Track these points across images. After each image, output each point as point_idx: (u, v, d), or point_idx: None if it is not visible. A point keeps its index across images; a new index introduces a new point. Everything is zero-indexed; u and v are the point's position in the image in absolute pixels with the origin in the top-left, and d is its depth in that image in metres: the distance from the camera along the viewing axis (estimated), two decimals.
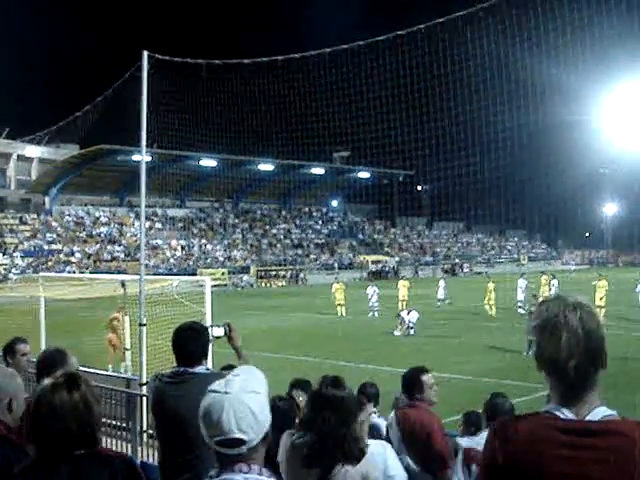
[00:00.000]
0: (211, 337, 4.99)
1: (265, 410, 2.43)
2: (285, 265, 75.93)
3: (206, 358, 4.87)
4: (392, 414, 6.00)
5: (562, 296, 2.35)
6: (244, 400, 2.37)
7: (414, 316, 27.84)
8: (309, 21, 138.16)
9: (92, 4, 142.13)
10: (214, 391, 2.46)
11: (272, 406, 5.33)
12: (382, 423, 6.27)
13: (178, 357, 4.81)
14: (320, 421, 3.68)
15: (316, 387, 3.92)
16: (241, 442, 2.35)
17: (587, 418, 2.20)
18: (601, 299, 30.88)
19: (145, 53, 12.61)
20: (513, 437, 2.27)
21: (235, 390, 2.41)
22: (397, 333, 27.46)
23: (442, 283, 40.87)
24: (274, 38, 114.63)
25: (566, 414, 2.22)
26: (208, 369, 4.86)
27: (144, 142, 12.39)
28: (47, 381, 2.94)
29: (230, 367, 6.49)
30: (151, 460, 5.65)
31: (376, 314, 35.36)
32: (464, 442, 5.77)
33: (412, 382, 5.95)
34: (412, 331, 27.27)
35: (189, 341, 4.80)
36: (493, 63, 40.15)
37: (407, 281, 40.05)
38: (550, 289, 35.43)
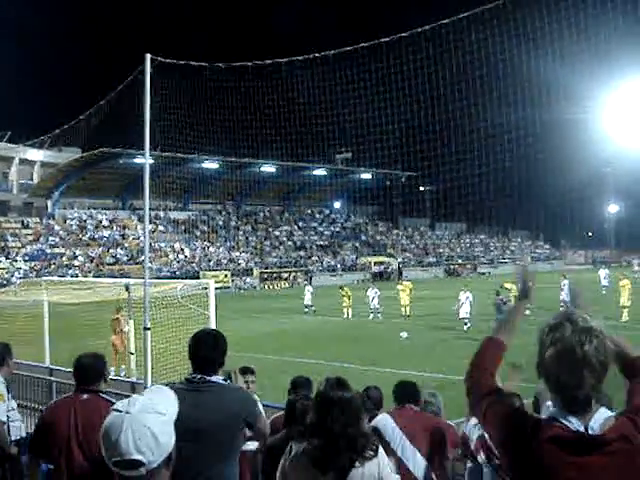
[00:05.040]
0: None
1: (168, 432, 2.33)
2: (288, 267, 75.85)
3: (222, 367, 4.81)
4: None
5: (573, 319, 2.38)
6: (144, 420, 2.26)
7: (466, 309, 28.74)
8: (310, 23, 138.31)
9: (95, 7, 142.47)
10: (116, 410, 2.32)
11: (292, 406, 5.30)
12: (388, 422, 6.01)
13: (195, 364, 4.75)
14: (330, 422, 3.64)
15: (320, 389, 3.87)
16: (139, 464, 2.24)
17: (590, 423, 2.33)
18: (627, 299, 30.67)
19: (148, 56, 12.60)
20: (532, 443, 2.36)
21: (136, 410, 2.28)
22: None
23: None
24: (276, 41, 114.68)
25: (572, 422, 2.34)
26: (225, 380, 4.79)
27: (147, 145, 12.37)
28: None
29: (246, 369, 6.46)
30: None
31: (379, 316, 35.23)
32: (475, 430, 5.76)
33: None
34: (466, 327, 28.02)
35: (208, 348, 4.74)
36: (495, 63, 40.11)
37: (409, 283, 38.97)
38: (562, 289, 34.62)
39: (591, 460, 2.26)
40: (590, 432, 2.30)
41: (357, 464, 3.60)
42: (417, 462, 5.60)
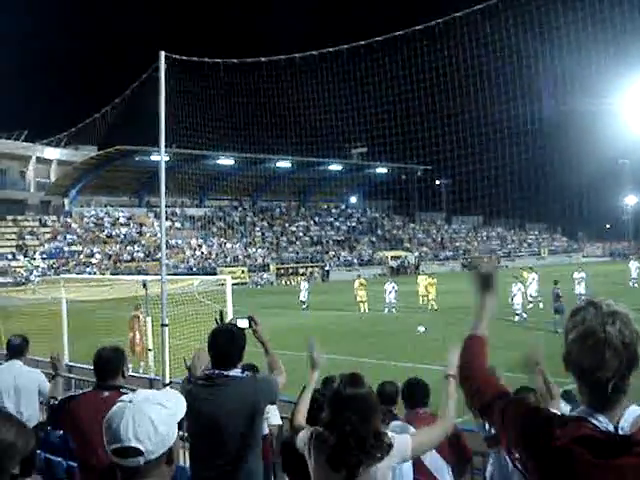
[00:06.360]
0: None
1: (169, 424, 2.33)
2: (305, 262, 75.88)
3: (241, 361, 4.83)
4: None
5: (597, 303, 2.32)
6: (146, 409, 2.30)
7: (519, 301, 29.34)
8: (324, 18, 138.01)
9: (109, 5, 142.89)
10: (120, 401, 2.37)
11: (311, 401, 5.33)
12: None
13: (214, 359, 4.78)
14: (341, 422, 3.63)
15: (334, 386, 3.86)
16: (137, 452, 2.25)
17: (620, 423, 2.23)
18: None
19: (162, 53, 12.63)
20: (558, 444, 2.27)
21: (139, 400, 2.33)
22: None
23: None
24: (291, 36, 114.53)
25: (602, 421, 2.25)
26: (243, 372, 4.81)
27: (163, 142, 12.40)
28: None
29: (250, 367, 6.45)
30: (181, 462, 5.64)
31: (394, 310, 35.17)
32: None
33: None
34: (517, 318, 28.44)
35: (226, 344, 4.77)
36: (512, 55, 39.95)
37: (426, 276, 39.56)
38: (579, 283, 34.24)
39: (621, 462, 2.17)
40: (621, 432, 2.22)
41: (365, 465, 3.57)
42: (444, 472, 5.53)
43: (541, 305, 32.63)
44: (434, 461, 5.52)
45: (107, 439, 2.31)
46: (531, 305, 32.53)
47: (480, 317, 2.85)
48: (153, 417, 2.28)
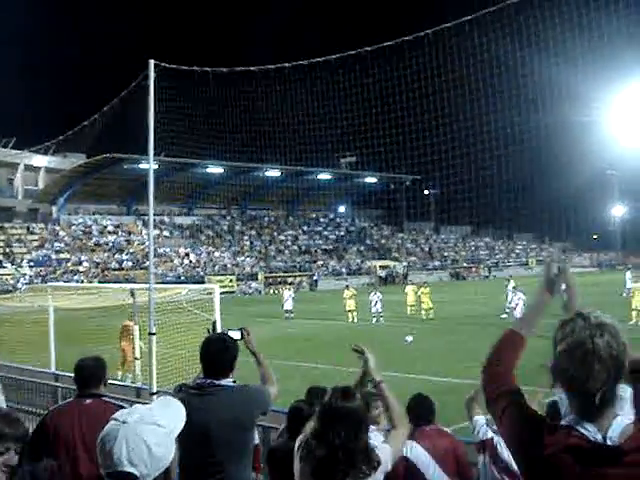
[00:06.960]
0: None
1: (165, 445, 2.23)
2: (293, 271, 75.80)
3: (232, 371, 4.82)
4: None
5: (585, 315, 2.33)
6: (140, 431, 2.19)
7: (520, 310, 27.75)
8: (315, 27, 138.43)
9: (98, 13, 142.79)
10: (114, 419, 2.26)
11: (295, 410, 5.31)
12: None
13: (206, 368, 4.78)
14: (331, 435, 3.60)
15: (325, 399, 3.84)
16: (132, 476, 2.15)
17: (608, 433, 2.25)
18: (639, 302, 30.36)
19: (151, 62, 12.61)
20: (547, 452, 2.28)
21: (133, 420, 2.22)
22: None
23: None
24: (280, 45, 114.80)
25: (590, 430, 2.26)
26: (234, 382, 4.80)
27: (151, 151, 12.37)
28: None
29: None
30: None
31: (382, 320, 35.17)
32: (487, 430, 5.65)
33: None
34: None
35: (218, 353, 4.77)
36: (499, 66, 40.15)
37: (414, 286, 39.83)
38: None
39: (609, 472, 2.19)
40: (609, 442, 2.23)
41: (350, 479, 3.56)
42: None
43: (504, 316, 32.48)
44: (440, 478, 5.48)
45: (100, 461, 2.22)
46: (506, 315, 32.11)
47: (528, 316, 2.84)
48: (148, 440, 2.18)
